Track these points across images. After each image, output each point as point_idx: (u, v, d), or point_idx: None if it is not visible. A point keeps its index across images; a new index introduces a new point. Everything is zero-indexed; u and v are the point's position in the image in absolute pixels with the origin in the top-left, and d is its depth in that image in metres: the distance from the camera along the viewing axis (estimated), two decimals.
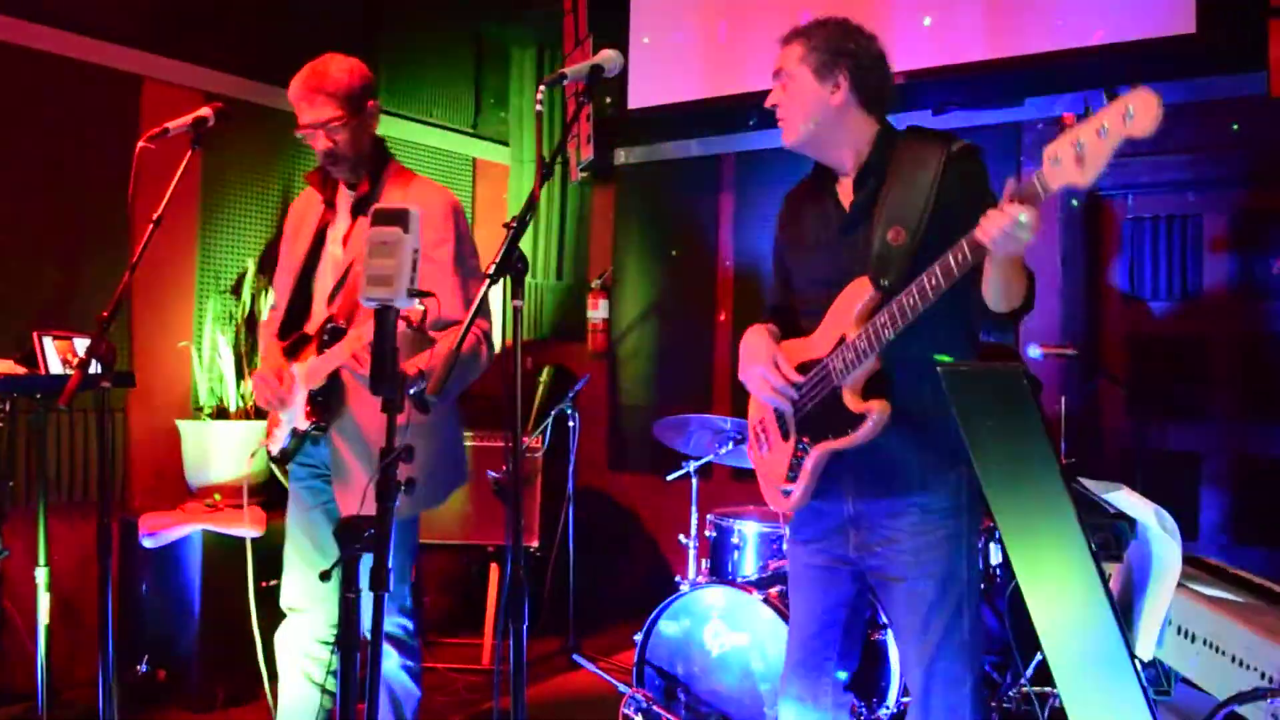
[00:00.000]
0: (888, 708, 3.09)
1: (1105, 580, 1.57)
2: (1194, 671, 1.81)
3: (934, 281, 1.92)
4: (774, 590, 3.12)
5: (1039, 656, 3.28)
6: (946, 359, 1.96)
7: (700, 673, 3.20)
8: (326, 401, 2.55)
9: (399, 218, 1.80)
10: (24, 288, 3.70)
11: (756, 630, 3.11)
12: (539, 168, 1.95)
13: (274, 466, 2.77)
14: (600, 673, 4.03)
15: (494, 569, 4.50)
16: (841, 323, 2.11)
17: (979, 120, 4.26)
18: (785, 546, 2.93)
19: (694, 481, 3.76)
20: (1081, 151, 1.70)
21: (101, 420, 2.56)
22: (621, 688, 3.55)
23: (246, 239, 4.40)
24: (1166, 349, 3.93)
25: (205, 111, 2.57)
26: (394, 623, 2.65)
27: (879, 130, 2.19)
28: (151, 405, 4.05)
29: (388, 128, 5.01)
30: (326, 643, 2.68)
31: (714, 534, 3.62)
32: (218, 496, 3.83)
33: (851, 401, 2.08)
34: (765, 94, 2.22)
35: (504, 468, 4.11)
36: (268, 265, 4.15)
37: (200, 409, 4.11)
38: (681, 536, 3.73)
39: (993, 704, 3.37)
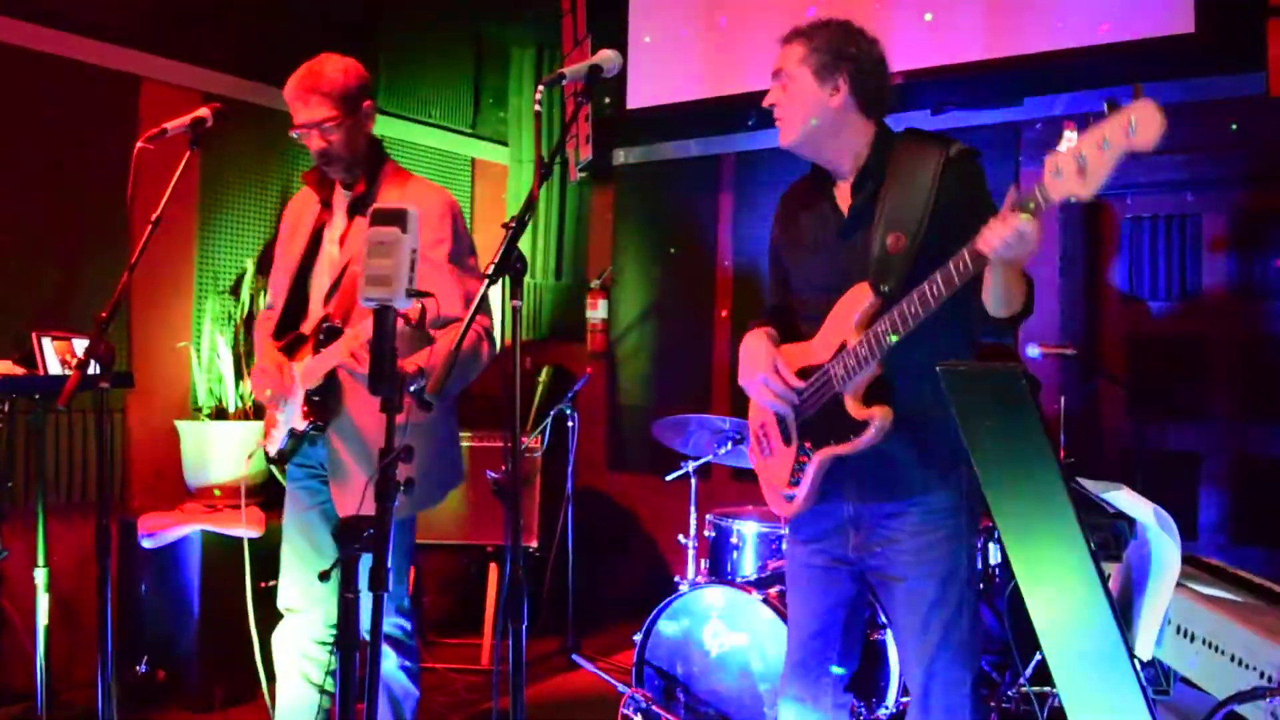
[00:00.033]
0: (887, 708, 3.09)
1: (1104, 580, 1.57)
2: (1193, 671, 1.81)
3: (935, 290, 1.92)
4: (773, 590, 3.12)
5: (1038, 656, 3.28)
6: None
7: (699, 673, 3.20)
8: (323, 401, 2.55)
9: (397, 218, 1.80)
10: (23, 288, 3.70)
11: (756, 630, 3.11)
12: (538, 168, 1.95)
13: (273, 467, 2.76)
14: (599, 673, 4.03)
15: (493, 569, 4.50)
16: (842, 329, 2.12)
17: (978, 120, 4.26)
18: (784, 547, 2.93)
19: (693, 481, 3.76)
20: (1084, 163, 1.70)
21: (100, 421, 2.57)
22: (621, 688, 3.55)
23: (245, 239, 4.39)
24: (1165, 349, 3.93)
25: (204, 112, 2.57)
26: (392, 623, 2.65)
27: (876, 132, 2.19)
28: (150, 406, 4.05)
29: (387, 128, 5.01)
30: (324, 643, 2.68)
31: (713, 534, 3.62)
32: (217, 492, 3.83)
33: (854, 408, 2.08)
34: (764, 94, 2.22)
35: (503, 468, 4.10)
36: (266, 266, 4.14)
37: (199, 409, 4.11)
38: (681, 536, 3.73)
39: (992, 704, 3.37)
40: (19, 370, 3.14)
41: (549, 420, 4.48)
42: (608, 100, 5.20)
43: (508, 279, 1.86)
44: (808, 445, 2.19)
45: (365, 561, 1.76)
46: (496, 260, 1.84)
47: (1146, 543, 1.79)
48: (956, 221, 2.06)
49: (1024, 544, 1.71)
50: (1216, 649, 1.71)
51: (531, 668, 4.18)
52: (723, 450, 3.63)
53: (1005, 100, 4.19)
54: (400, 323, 1.84)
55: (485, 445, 4.50)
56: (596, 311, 5.35)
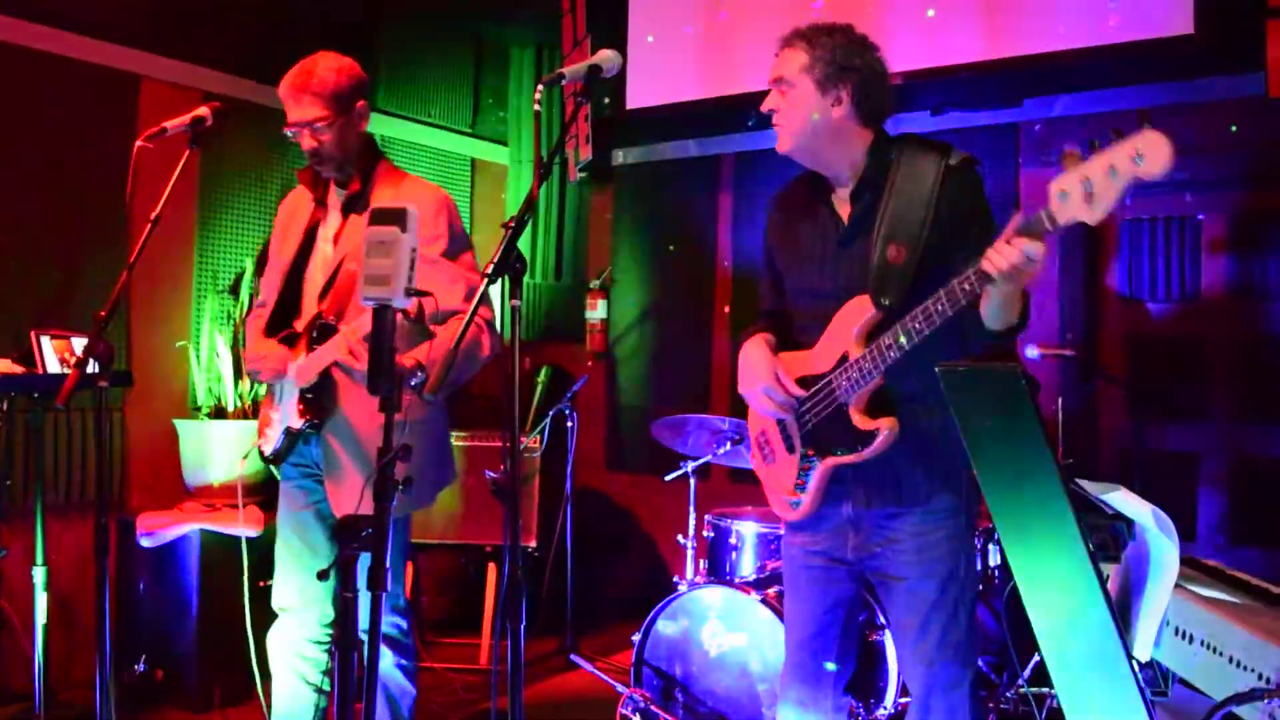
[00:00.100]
0: (885, 708, 3.09)
1: (1103, 581, 1.57)
2: (1191, 672, 1.82)
3: (940, 307, 1.94)
4: (772, 590, 3.12)
5: (1036, 657, 3.28)
6: None
7: (698, 673, 3.20)
8: (318, 399, 2.54)
9: (397, 217, 1.80)
10: (22, 287, 3.69)
11: (754, 630, 3.11)
12: (537, 168, 1.95)
13: (272, 467, 2.76)
14: (598, 673, 4.03)
15: (492, 569, 4.50)
16: (842, 340, 2.12)
17: (977, 121, 4.25)
18: (782, 548, 2.93)
19: (692, 482, 3.76)
20: (1090, 190, 1.71)
21: (99, 420, 2.57)
22: (619, 688, 3.55)
23: (244, 239, 4.39)
24: (1165, 350, 3.93)
25: (203, 111, 2.58)
26: (388, 621, 2.65)
27: (875, 140, 2.18)
28: (149, 405, 4.05)
29: (387, 128, 5.01)
30: (319, 643, 2.68)
31: (712, 534, 3.62)
32: (217, 485, 3.83)
33: (859, 419, 2.10)
34: (764, 94, 2.21)
35: (502, 467, 4.10)
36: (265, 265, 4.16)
37: (198, 408, 4.11)
38: (679, 537, 3.73)
39: (990, 705, 3.37)
40: (18, 369, 3.14)
41: (548, 420, 4.48)
42: (607, 100, 5.19)
43: (507, 278, 1.86)
44: (811, 453, 2.20)
45: (363, 561, 1.76)
46: (496, 260, 1.84)
47: (1145, 544, 1.79)
48: (956, 231, 2.07)
49: (1023, 545, 1.71)
50: (1215, 650, 1.72)
51: (530, 668, 4.18)
52: (722, 450, 3.63)
53: (1005, 101, 4.19)
54: (399, 317, 1.84)
55: (484, 445, 4.50)
56: (596, 311, 5.35)
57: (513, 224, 1.86)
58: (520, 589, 1.81)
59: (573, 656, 4.25)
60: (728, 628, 3.16)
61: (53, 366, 3.18)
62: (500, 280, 1.86)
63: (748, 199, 4.91)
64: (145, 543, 3.70)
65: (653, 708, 3.23)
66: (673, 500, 4.32)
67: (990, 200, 2.19)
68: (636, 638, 3.30)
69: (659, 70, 4.99)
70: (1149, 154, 1.64)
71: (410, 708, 2.73)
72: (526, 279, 5.33)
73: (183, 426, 3.95)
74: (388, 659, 2.66)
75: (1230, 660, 1.67)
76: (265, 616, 2.75)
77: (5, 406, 3.30)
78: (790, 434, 2.25)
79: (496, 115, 5.63)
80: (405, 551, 2.75)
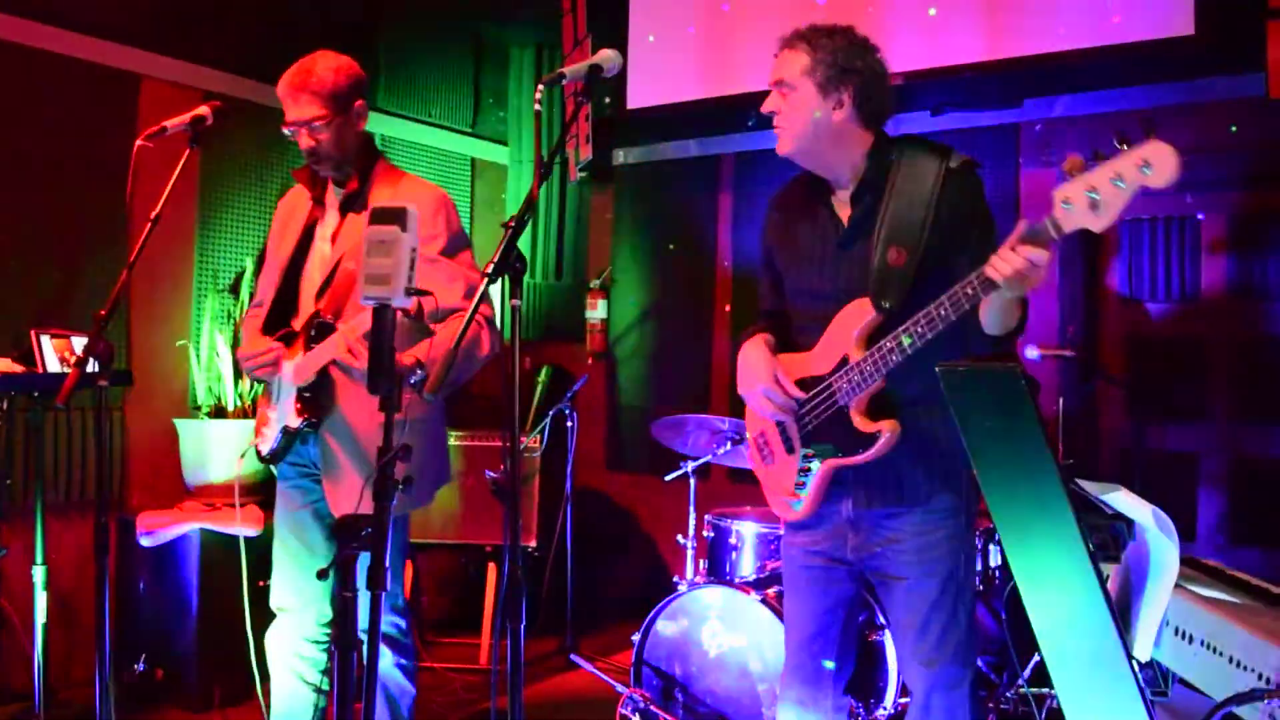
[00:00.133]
0: (885, 709, 3.09)
1: (1103, 581, 1.57)
2: (1191, 672, 1.82)
3: (943, 312, 1.94)
4: (771, 590, 3.12)
5: (1036, 657, 3.28)
6: None
7: (698, 673, 3.20)
8: (315, 398, 2.54)
9: (397, 216, 1.80)
10: (22, 286, 3.69)
11: (754, 630, 3.11)
12: (538, 167, 1.95)
13: (272, 466, 2.76)
14: (598, 673, 4.03)
15: (492, 569, 4.50)
16: (842, 343, 2.12)
17: (977, 121, 4.25)
18: (781, 548, 2.94)
19: (692, 482, 3.76)
20: (1096, 198, 1.71)
21: (99, 419, 2.57)
22: (619, 688, 3.55)
23: (245, 238, 4.39)
24: (1164, 350, 3.93)
25: (203, 110, 2.57)
26: (387, 621, 2.64)
27: (875, 142, 2.18)
28: (149, 404, 4.05)
29: (387, 127, 5.01)
30: (317, 642, 2.68)
31: (712, 534, 3.62)
32: (217, 484, 3.84)
33: (860, 422, 2.10)
34: (764, 95, 2.21)
35: (502, 467, 4.10)
36: None
37: (198, 408, 4.11)
38: (679, 537, 3.73)
39: (990, 705, 3.37)
40: (18, 368, 3.14)
41: (548, 420, 4.48)
42: (608, 100, 5.19)
43: (507, 278, 1.86)
44: (811, 455, 2.20)
45: (363, 560, 1.76)
46: (496, 259, 1.84)
47: (1145, 544, 1.79)
48: (957, 234, 2.08)
49: (1023, 545, 1.71)
50: (1215, 650, 1.72)
51: (530, 667, 4.19)
52: (721, 450, 3.63)
53: (1005, 102, 4.19)
54: (399, 315, 1.84)
55: (484, 445, 4.50)
56: (596, 311, 5.35)
57: (513, 224, 1.86)
58: (520, 589, 1.81)
59: (573, 656, 4.25)
60: (727, 628, 3.16)
61: (53, 366, 3.18)
62: (500, 280, 1.86)
63: (748, 199, 4.91)
64: (145, 542, 3.70)
65: (653, 708, 3.23)
66: (673, 500, 4.32)
67: (991, 201, 2.19)
68: (636, 638, 3.30)
69: (659, 70, 4.99)
70: (1157, 164, 1.65)
71: (410, 707, 2.72)
72: (526, 279, 5.33)
73: (183, 426, 3.95)
74: (387, 658, 2.65)
75: (1230, 660, 1.67)
76: (265, 616, 2.75)
77: (5, 406, 3.30)
78: (790, 435, 2.25)
79: (497, 115, 5.63)
80: (404, 551, 2.75)
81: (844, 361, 2.11)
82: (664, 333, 5.21)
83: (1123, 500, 1.74)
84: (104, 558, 2.43)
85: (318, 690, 2.67)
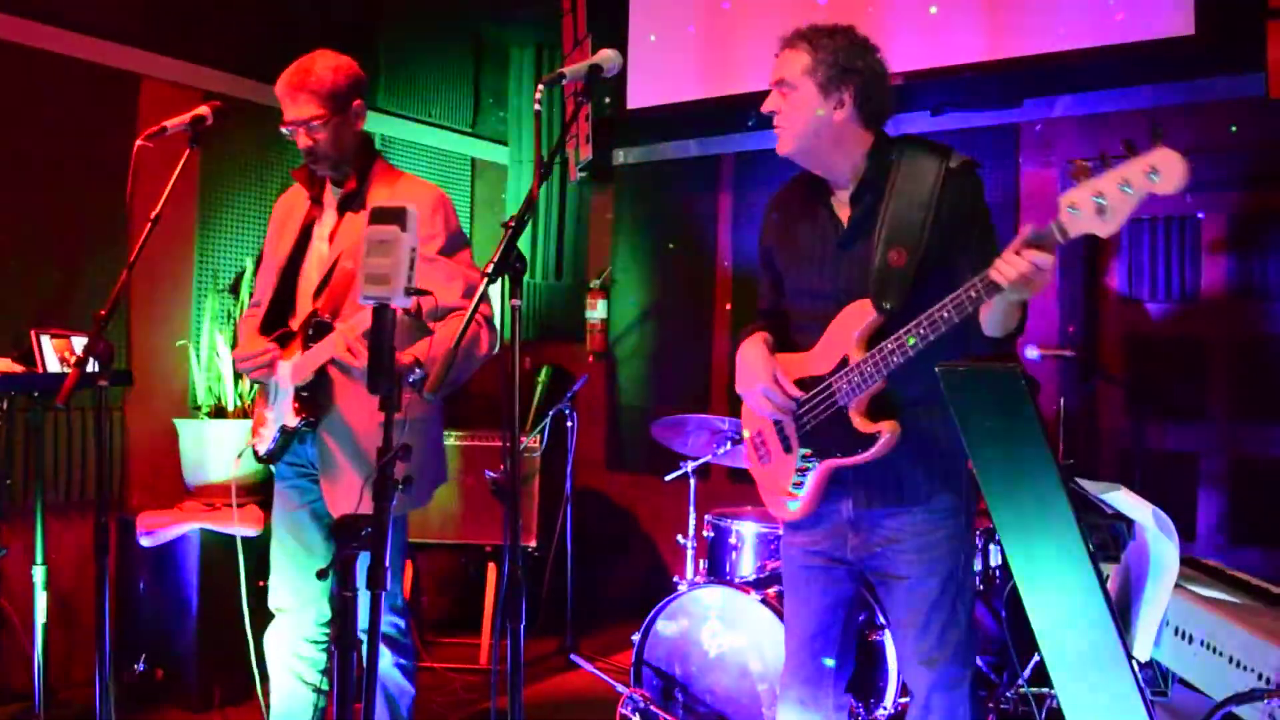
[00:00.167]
0: (885, 708, 3.09)
1: (1103, 581, 1.57)
2: (1191, 672, 1.82)
3: (946, 314, 1.95)
4: (771, 590, 3.12)
5: (1036, 657, 3.28)
6: None
7: (698, 673, 3.20)
8: (313, 397, 2.53)
9: (396, 216, 1.80)
10: (22, 286, 3.69)
11: (754, 630, 3.11)
12: (538, 167, 1.95)
13: (270, 467, 2.76)
14: (598, 673, 4.03)
15: (492, 569, 4.50)
16: (843, 343, 2.12)
17: (977, 121, 4.25)
18: (780, 548, 2.94)
19: (692, 482, 3.76)
20: (1103, 203, 1.72)
21: (99, 419, 2.57)
22: (619, 688, 3.55)
23: (244, 238, 4.39)
24: (1164, 350, 3.93)
25: (203, 110, 2.57)
26: (386, 621, 2.64)
27: (875, 142, 2.18)
28: (149, 404, 4.05)
29: (387, 127, 5.01)
30: (316, 642, 2.68)
31: (712, 534, 3.62)
32: (217, 484, 3.84)
33: (860, 422, 2.10)
34: (764, 94, 2.21)
35: (502, 467, 4.10)
36: None
37: (198, 408, 4.11)
38: (679, 537, 3.73)
39: (990, 705, 3.37)
40: (18, 368, 3.14)
41: (548, 420, 4.48)
42: (607, 100, 5.19)
43: (507, 278, 1.86)
44: (809, 454, 2.20)
45: (362, 560, 1.76)
46: (496, 259, 1.84)
47: (1145, 544, 1.79)
48: (957, 235, 2.08)
49: (1023, 545, 1.71)
50: (1215, 650, 1.72)
51: (530, 668, 4.19)
52: (721, 450, 3.63)
53: (1005, 101, 4.19)
54: (399, 312, 1.84)
55: (484, 445, 4.50)
56: (596, 311, 5.35)
57: (513, 224, 1.86)
58: (520, 589, 1.81)
59: (573, 656, 4.25)
60: (727, 627, 3.16)
61: (53, 366, 3.18)
62: (500, 279, 1.86)
63: (748, 199, 4.91)
64: (145, 542, 3.70)
65: (653, 708, 3.23)
66: (673, 500, 4.32)
67: (991, 201, 2.20)
68: (636, 638, 3.30)
69: (659, 70, 4.99)
70: (1165, 171, 1.65)
71: (409, 707, 2.72)
72: (526, 279, 5.33)
73: (183, 426, 3.95)
74: (386, 658, 2.65)
75: (1230, 660, 1.67)
76: (264, 616, 2.75)
77: (5, 406, 3.30)
78: (787, 434, 2.25)
79: (496, 115, 5.63)
80: (403, 551, 2.74)
81: (844, 362, 2.11)
82: (664, 333, 5.21)
83: (1123, 500, 1.74)
84: (104, 558, 2.43)
85: (317, 690, 2.67)
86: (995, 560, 3.48)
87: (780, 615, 2.97)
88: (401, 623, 2.69)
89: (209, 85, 4.19)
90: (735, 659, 3.14)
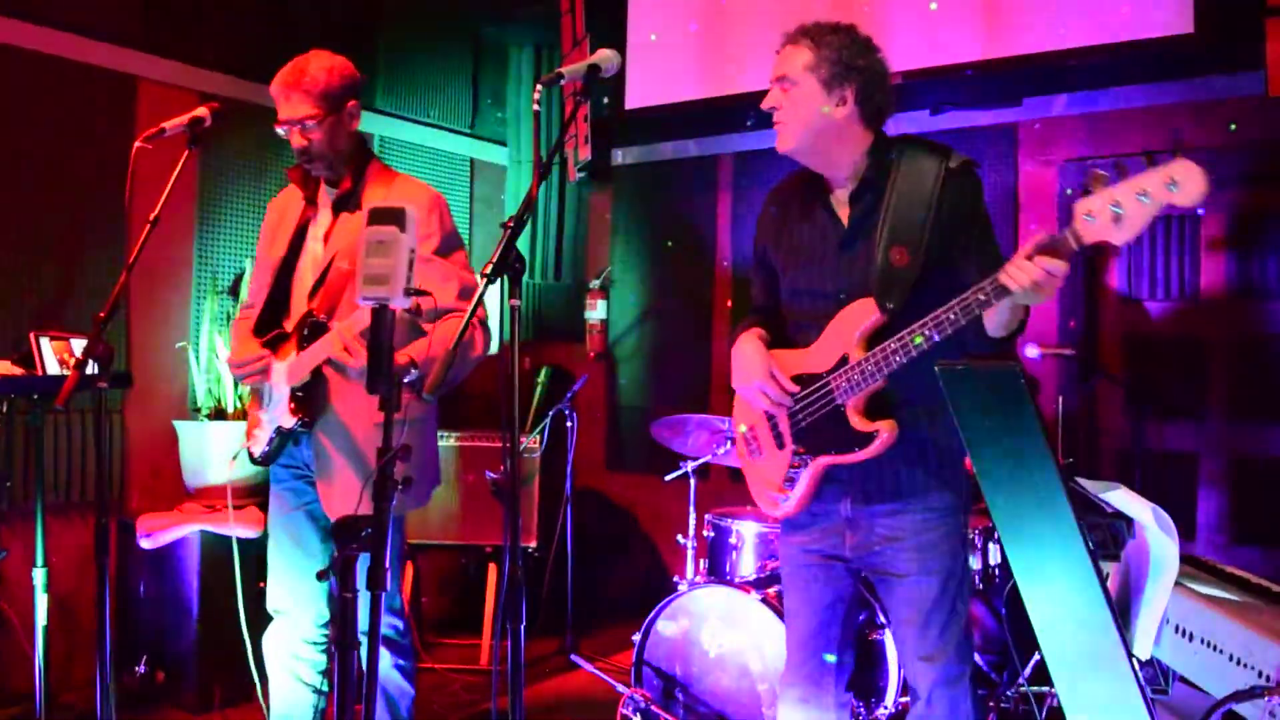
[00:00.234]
0: (886, 708, 3.09)
1: (1103, 579, 1.57)
2: (1191, 670, 1.82)
3: (952, 316, 1.95)
4: (772, 590, 3.12)
5: (1037, 656, 3.28)
6: None
7: (698, 673, 3.20)
8: (309, 397, 2.53)
9: (395, 217, 1.80)
10: (21, 288, 3.69)
11: (754, 630, 3.11)
12: (537, 168, 1.95)
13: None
14: (598, 673, 4.03)
15: (492, 569, 4.50)
16: (843, 341, 2.12)
17: (976, 120, 4.25)
18: (779, 546, 2.94)
19: (692, 482, 3.76)
20: (1120, 213, 1.72)
21: (99, 421, 2.56)
22: (619, 688, 3.55)
23: (243, 239, 4.39)
24: (1164, 349, 3.93)
25: (201, 111, 2.57)
26: (385, 622, 2.63)
27: (875, 141, 2.18)
28: (149, 406, 4.05)
29: (386, 128, 5.01)
30: (314, 643, 2.67)
31: (712, 534, 3.62)
32: (217, 485, 3.84)
33: (857, 421, 2.10)
34: (763, 94, 2.20)
35: (501, 468, 4.11)
36: None
37: (198, 410, 4.10)
38: (679, 537, 3.73)
39: (991, 704, 3.37)
40: (17, 370, 3.14)
41: (548, 420, 4.48)
42: (606, 100, 5.20)
43: (506, 278, 1.86)
44: (803, 451, 2.20)
45: (362, 561, 1.76)
46: (495, 260, 1.84)
47: (1145, 542, 1.79)
48: (957, 234, 2.08)
49: (1022, 544, 1.71)
50: (1215, 648, 1.72)
51: (530, 668, 4.18)
52: (721, 450, 3.63)
53: (1004, 100, 4.19)
54: (399, 311, 1.84)
55: (483, 445, 4.50)
56: (595, 311, 5.35)
57: (512, 224, 1.86)
58: (520, 589, 1.81)
59: (573, 656, 4.25)
60: (728, 627, 3.16)
61: (52, 368, 3.18)
62: (500, 280, 1.86)
63: (747, 199, 4.91)
64: (145, 544, 3.70)
65: (653, 708, 3.23)
66: (673, 500, 4.32)
67: (990, 200, 2.20)
68: (636, 638, 3.30)
69: (658, 70, 4.99)
70: (1184, 183, 1.66)
71: (409, 708, 2.72)
72: (526, 279, 5.33)
73: (182, 428, 3.95)
74: (385, 660, 2.65)
75: (1230, 658, 1.67)
76: (263, 618, 2.75)
77: (5, 408, 3.30)
78: (780, 430, 2.25)
79: (496, 115, 5.63)
80: (401, 552, 2.74)
81: (843, 360, 2.11)
82: (664, 333, 5.21)
83: (1122, 499, 1.74)
84: (104, 560, 2.43)
85: (317, 691, 2.67)
86: (995, 559, 3.48)
87: (780, 615, 2.97)
88: (400, 624, 2.69)
89: (207, 87, 4.18)
90: (735, 659, 3.14)
